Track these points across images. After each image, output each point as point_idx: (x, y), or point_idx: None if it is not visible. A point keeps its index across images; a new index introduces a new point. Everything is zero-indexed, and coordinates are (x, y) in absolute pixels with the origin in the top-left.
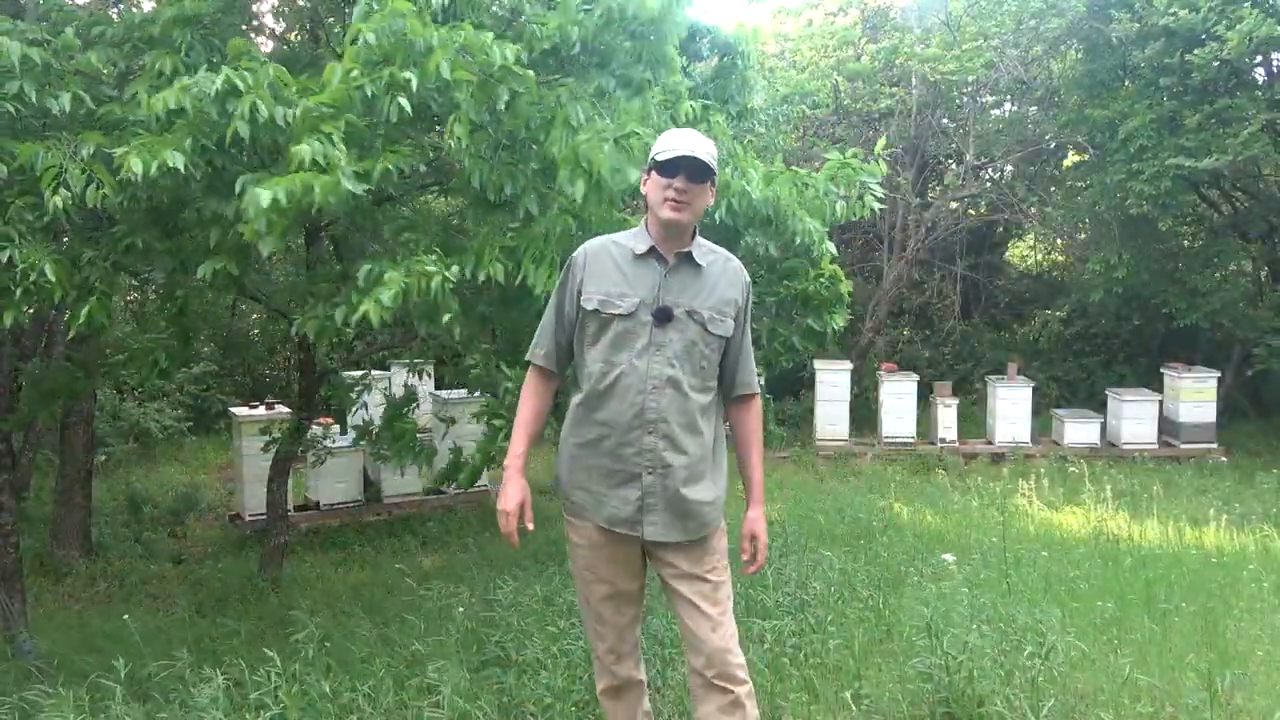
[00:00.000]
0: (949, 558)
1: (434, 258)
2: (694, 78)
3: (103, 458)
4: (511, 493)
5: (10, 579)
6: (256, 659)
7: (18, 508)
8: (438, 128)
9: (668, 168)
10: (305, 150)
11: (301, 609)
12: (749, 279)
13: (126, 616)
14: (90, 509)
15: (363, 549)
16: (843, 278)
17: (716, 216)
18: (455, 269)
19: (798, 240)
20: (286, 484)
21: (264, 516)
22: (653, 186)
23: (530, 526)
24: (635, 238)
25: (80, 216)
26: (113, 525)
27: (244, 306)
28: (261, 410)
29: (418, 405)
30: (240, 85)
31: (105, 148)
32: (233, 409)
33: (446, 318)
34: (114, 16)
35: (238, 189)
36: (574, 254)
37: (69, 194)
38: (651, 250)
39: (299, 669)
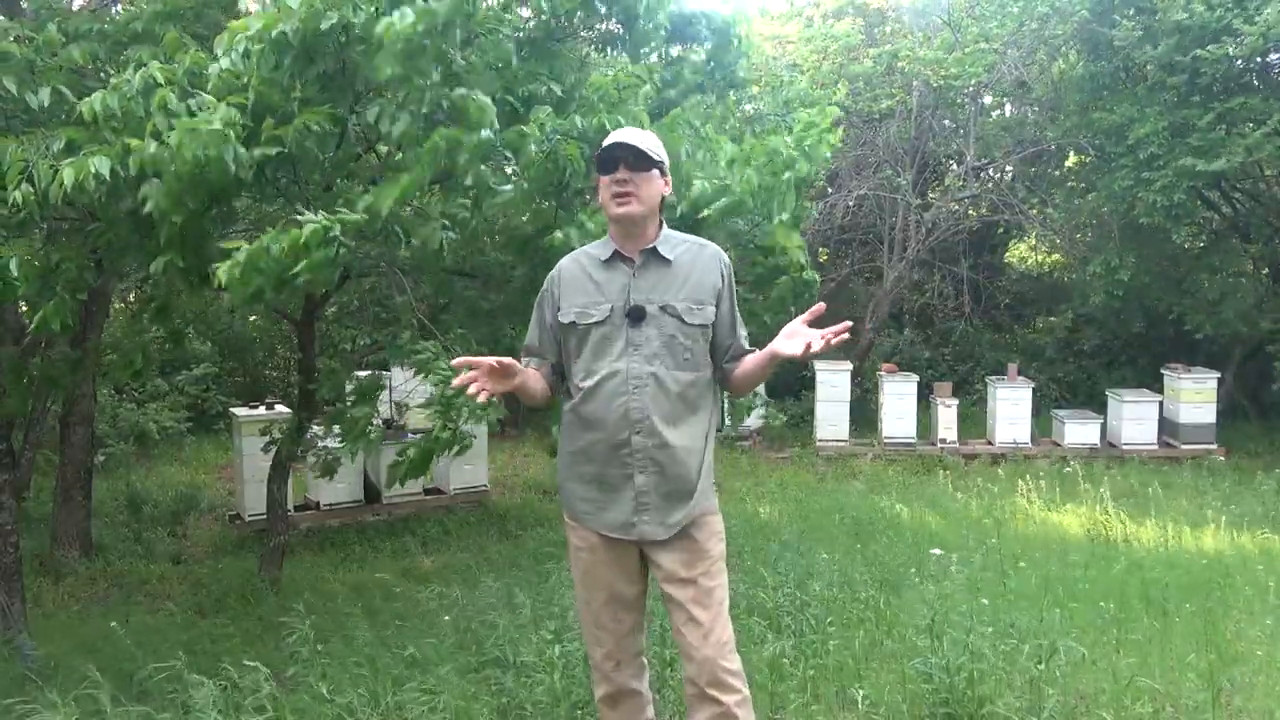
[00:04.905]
0: (937, 552)
1: (313, 214)
2: (690, 62)
3: (103, 458)
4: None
5: (10, 579)
6: (255, 660)
7: (18, 508)
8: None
9: (606, 164)
10: (200, 121)
11: (300, 610)
12: (727, 260)
13: (114, 624)
14: (90, 509)
15: (362, 549)
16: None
17: (679, 210)
18: (341, 216)
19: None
20: (286, 484)
21: (264, 516)
22: (601, 190)
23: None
24: (602, 246)
25: (69, 214)
26: (113, 525)
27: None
28: (262, 410)
29: (384, 390)
30: (160, 79)
31: (81, 144)
32: (233, 409)
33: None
34: (114, 15)
35: None
36: (550, 272)
37: (31, 189)
38: (616, 254)
39: (297, 670)
